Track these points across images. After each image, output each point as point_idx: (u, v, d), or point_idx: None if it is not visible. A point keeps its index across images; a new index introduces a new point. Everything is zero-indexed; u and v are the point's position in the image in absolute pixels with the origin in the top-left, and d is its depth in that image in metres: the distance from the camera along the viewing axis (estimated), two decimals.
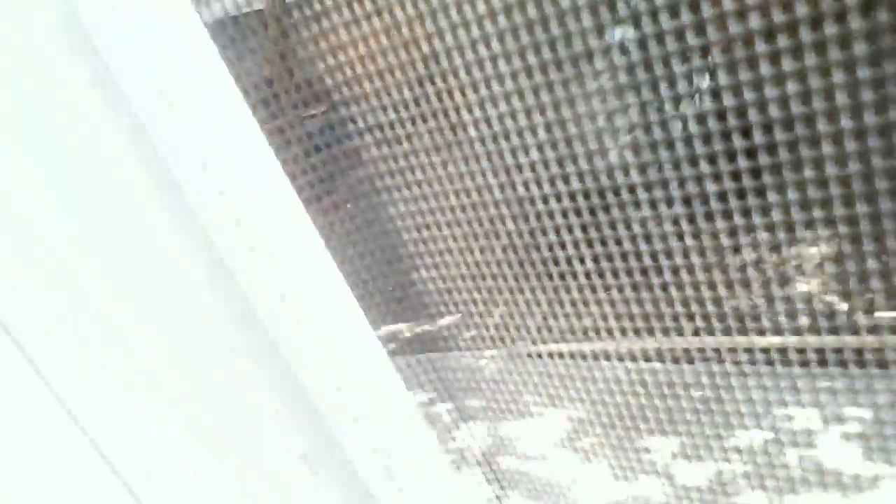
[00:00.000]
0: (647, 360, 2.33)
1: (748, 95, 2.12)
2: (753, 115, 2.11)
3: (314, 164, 2.94)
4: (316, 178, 2.93)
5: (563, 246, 2.79)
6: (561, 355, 2.46)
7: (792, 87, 1.84)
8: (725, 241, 2.85)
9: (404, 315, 3.00)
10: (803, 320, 2.37)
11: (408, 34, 2.37)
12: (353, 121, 2.62)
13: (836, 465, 1.69)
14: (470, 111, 2.81)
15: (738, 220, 2.89)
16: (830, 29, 1.67)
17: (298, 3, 2.33)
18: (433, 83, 2.57)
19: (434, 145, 2.79)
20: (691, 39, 2.22)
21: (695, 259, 2.70)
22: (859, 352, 2.08)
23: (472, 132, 2.71)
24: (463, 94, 2.80)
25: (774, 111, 2.00)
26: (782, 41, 1.78)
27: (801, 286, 2.57)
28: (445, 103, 2.72)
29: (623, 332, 2.47)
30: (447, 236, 2.96)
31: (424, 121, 2.90)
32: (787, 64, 1.80)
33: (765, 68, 1.85)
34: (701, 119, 3.24)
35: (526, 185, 2.81)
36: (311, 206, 2.53)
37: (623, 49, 3.22)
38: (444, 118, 2.80)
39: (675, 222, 2.94)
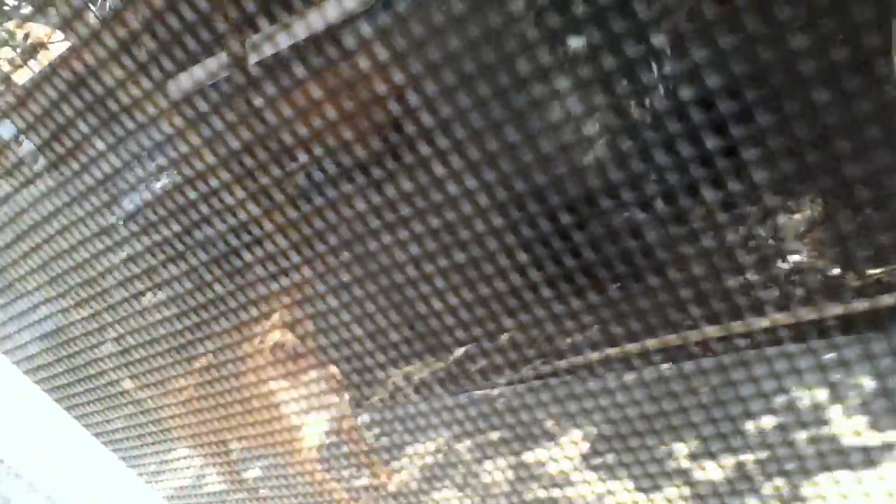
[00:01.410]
0: (655, 361, 2.38)
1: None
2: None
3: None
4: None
5: (553, 257, 2.83)
6: (569, 371, 2.51)
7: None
8: (706, 225, 2.90)
9: (414, 356, 3.06)
10: (798, 291, 2.41)
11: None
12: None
13: (849, 440, 1.72)
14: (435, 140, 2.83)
15: (715, 200, 2.94)
16: None
17: None
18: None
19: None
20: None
21: (683, 249, 2.74)
22: (853, 317, 2.12)
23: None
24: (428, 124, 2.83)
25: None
26: None
27: (792, 257, 2.60)
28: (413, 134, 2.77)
29: (627, 336, 2.52)
30: (442, 265, 2.99)
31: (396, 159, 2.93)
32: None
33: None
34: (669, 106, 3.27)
35: (508, 203, 2.85)
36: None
37: (579, 57, 3.29)
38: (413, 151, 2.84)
39: (659, 219, 2.99)
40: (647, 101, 3.36)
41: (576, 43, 3.29)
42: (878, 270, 2.30)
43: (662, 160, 2.96)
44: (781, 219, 2.80)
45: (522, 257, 2.54)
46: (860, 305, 2.13)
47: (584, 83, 3.30)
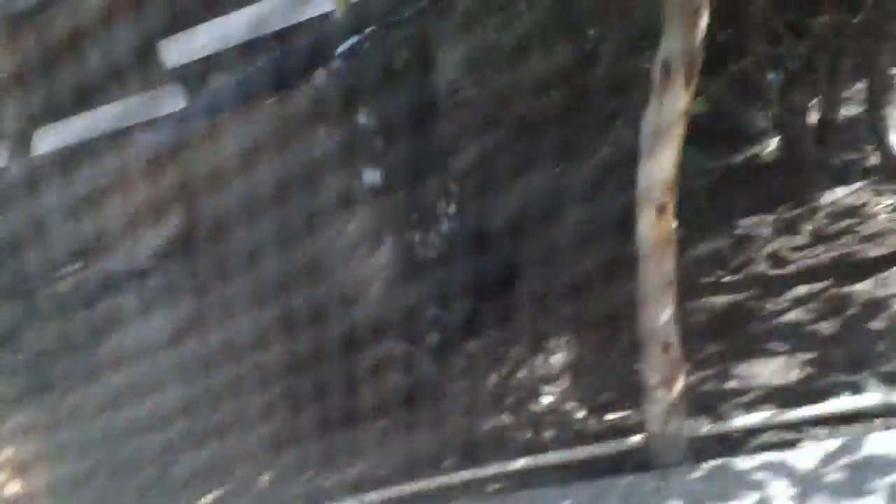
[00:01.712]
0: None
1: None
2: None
3: None
4: None
5: (322, 394, 2.84)
6: None
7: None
8: (470, 367, 3.09)
9: None
10: (548, 433, 2.59)
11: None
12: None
13: None
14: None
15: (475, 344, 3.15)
16: None
17: None
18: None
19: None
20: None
21: (441, 389, 2.89)
22: (595, 460, 2.31)
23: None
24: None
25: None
26: None
27: (545, 398, 2.80)
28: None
29: (381, 479, 2.57)
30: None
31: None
32: None
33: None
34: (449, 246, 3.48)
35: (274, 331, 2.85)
36: None
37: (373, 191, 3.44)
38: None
39: (432, 349, 3.13)
40: (432, 237, 3.53)
41: (371, 178, 3.43)
42: (614, 416, 2.52)
43: (436, 296, 3.15)
44: (539, 360, 3.01)
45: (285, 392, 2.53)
46: (598, 450, 2.33)
47: (376, 217, 3.44)
